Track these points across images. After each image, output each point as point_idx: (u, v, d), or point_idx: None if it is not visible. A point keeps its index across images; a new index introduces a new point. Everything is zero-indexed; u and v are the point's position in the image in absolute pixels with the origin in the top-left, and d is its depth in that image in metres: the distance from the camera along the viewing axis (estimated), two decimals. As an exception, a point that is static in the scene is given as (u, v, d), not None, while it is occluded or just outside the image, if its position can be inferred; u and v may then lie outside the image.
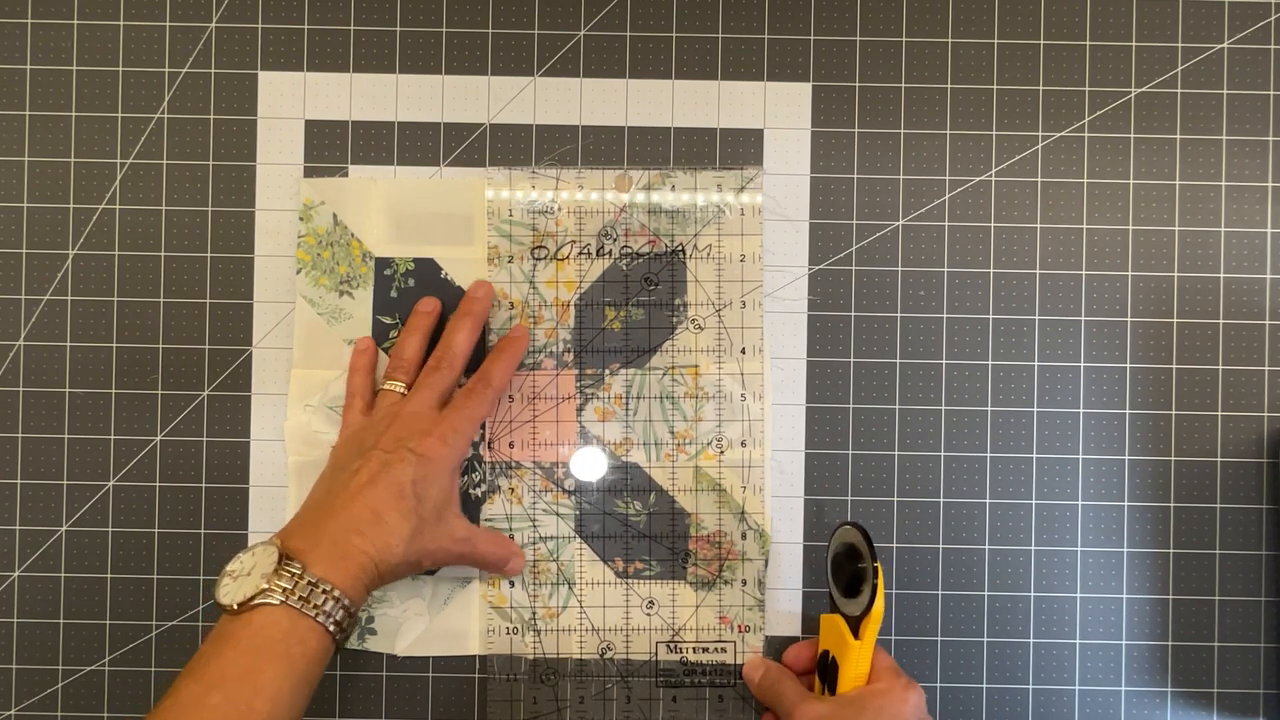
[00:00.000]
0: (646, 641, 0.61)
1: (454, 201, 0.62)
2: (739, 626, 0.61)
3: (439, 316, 0.60)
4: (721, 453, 0.61)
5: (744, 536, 0.61)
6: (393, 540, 0.52)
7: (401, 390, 0.58)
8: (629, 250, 0.61)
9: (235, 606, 0.49)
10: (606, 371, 0.61)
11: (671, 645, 0.61)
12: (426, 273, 0.62)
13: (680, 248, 0.61)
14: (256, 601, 0.48)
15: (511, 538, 0.61)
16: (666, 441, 0.61)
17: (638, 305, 0.62)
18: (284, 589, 0.49)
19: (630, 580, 0.61)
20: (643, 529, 0.61)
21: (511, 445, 0.61)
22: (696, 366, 0.61)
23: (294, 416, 0.61)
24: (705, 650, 0.61)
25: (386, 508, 0.53)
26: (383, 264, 0.62)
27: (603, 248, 0.61)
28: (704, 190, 0.61)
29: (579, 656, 0.61)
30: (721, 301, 0.61)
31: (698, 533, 0.61)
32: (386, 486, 0.53)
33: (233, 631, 0.48)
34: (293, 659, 0.48)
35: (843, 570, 0.57)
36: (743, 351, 0.61)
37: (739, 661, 0.61)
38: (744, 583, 0.61)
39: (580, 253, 0.62)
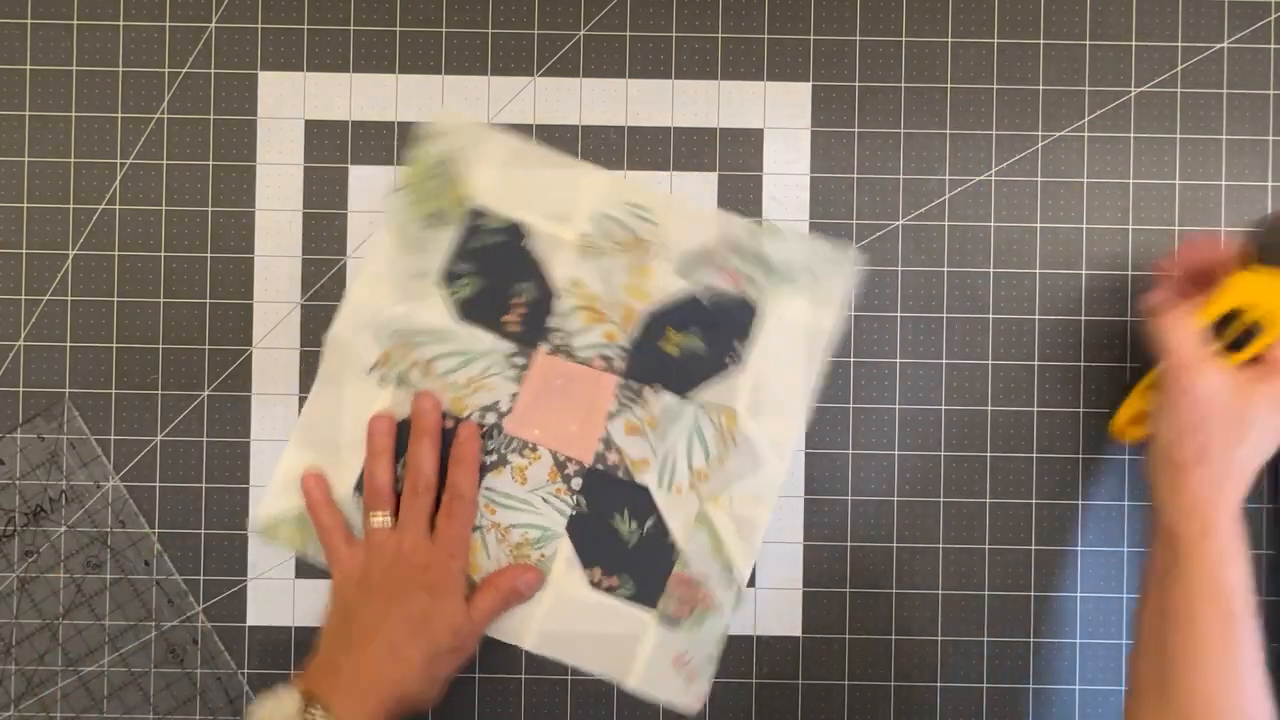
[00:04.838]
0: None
1: (566, 178, 0.61)
2: (688, 673, 0.60)
3: (395, 435, 0.60)
4: (731, 503, 0.61)
5: (723, 587, 0.61)
6: (409, 672, 0.55)
7: (388, 522, 0.59)
8: (711, 281, 0.61)
9: None
10: (648, 389, 0.61)
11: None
12: (510, 238, 0.61)
13: (758, 296, 0.61)
14: None
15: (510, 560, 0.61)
16: (683, 475, 0.61)
17: (699, 336, 0.61)
18: None
19: (601, 594, 0.61)
20: (630, 549, 0.61)
21: (536, 430, 0.61)
22: (735, 412, 0.61)
23: (343, 329, 0.61)
24: (649, 684, 0.60)
25: (402, 642, 0.55)
26: (477, 214, 0.61)
27: (687, 270, 0.61)
28: (800, 252, 0.61)
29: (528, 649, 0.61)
30: (779, 359, 0.61)
31: (681, 570, 0.61)
32: (401, 621, 0.55)
33: None
34: None
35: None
36: (783, 411, 0.61)
37: (672, 701, 0.60)
38: (708, 631, 0.61)
39: (666, 266, 0.61)
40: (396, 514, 0.59)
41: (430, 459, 0.59)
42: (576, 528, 0.61)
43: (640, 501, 0.61)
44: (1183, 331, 0.52)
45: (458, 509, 0.59)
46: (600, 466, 0.61)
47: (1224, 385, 0.51)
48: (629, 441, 0.61)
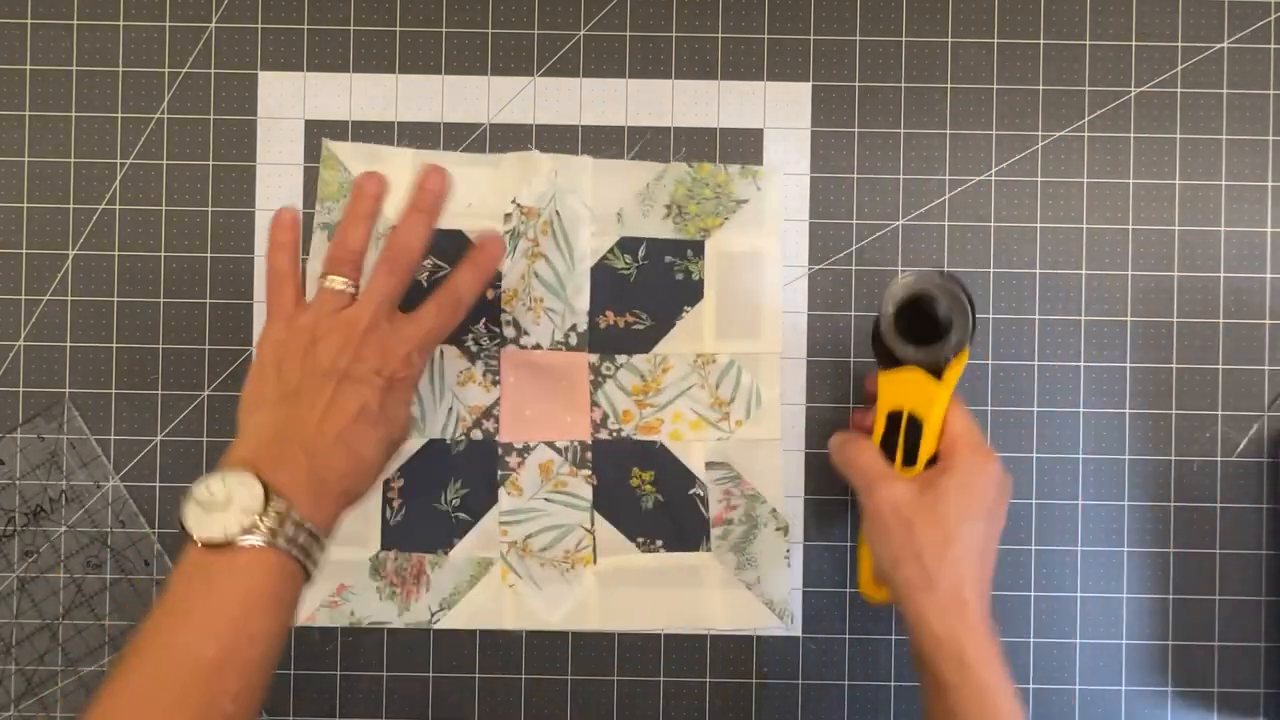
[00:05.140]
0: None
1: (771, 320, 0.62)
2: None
3: (383, 199, 0.53)
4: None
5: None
6: (370, 473, 0.50)
7: (350, 289, 0.52)
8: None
9: (212, 544, 0.44)
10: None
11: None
12: (683, 284, 0.61)
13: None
14: (242, 541, 0.44)
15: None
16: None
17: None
18: (271, 530, 0.45)
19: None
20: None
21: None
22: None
23: (545, 164, 0.61)
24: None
25: (361, 442, 0.49)
26: (695, 247, 0.61)
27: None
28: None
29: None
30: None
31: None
32: (360, 418, 0.49)
33: (217, 573, 0.44)
34: (281, 605, 0.45)
35: (907, 323, 0.51)
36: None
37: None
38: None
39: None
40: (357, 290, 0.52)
41: (421, 239, 0.52)
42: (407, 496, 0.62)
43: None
44: (860, 456, 0.52)
45: (450, 310, 0.53)
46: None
47: (910, 490, 0.50)
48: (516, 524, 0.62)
